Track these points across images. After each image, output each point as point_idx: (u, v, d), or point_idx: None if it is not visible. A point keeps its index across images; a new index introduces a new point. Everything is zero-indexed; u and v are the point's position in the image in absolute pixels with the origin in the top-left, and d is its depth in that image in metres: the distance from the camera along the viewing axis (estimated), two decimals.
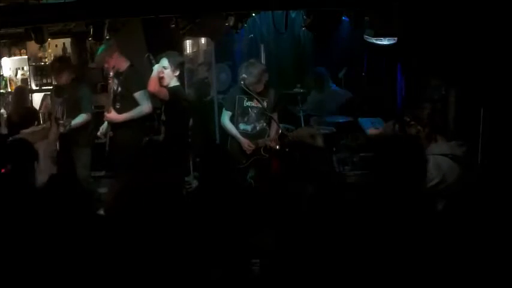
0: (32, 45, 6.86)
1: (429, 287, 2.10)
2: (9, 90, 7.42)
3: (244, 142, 4.96)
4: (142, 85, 4.95)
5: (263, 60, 6.31)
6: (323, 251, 2.23)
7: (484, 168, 3.72)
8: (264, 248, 2.59)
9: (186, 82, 6.42)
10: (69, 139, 5.25)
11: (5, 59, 7.52)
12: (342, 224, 2.29)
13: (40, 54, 7.43)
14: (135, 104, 5.06)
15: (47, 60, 7.36)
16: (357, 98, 6.40)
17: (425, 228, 2.19)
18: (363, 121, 5.02)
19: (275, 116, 5.08)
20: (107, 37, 4.73)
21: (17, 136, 4.99)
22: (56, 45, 7.27)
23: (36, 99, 7.35)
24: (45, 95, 7.19)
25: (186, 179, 5.86)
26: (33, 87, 7.49)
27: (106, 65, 5.19)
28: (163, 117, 5.01)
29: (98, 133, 5.37)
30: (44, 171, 4.14)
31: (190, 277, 2.39)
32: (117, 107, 5.12)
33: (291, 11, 5.86)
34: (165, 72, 4.82)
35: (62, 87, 5.47)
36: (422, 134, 3.26)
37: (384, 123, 4.60)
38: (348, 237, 2.22)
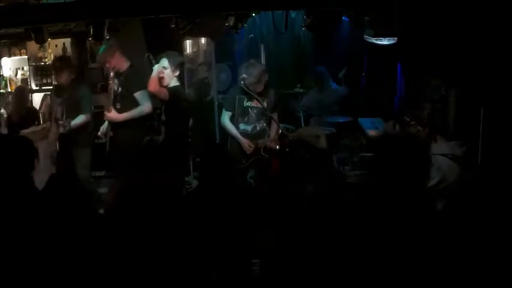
0: (32, 45, 6.85)
1: (429, 286, 2.10)
2: (9, 90, 7.42)
3: (245, 142, 4.96)
4: (143, 85, 4.94)
5: (263, 60, 6.31)
6: (323, 251, 2.23)
7: (484, 168, 3.72)
8: (264, 248, 2.59)
9: (186, 82, 6.41)
10: (69, 139, 5.24)
11: (5, 59, 7.51)
12: (341, 224, 2.29)
13: (40, 54, 7.42)
14: (135, 104, 5.06)
15: (47, 60, 7.36)
16: (356, 98, 6.40)
17: (425, 228, 2.19)
18: (363, 121, 5.03)
19: (275, 116, 5.08)
20: (107, 37, 4.73)
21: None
22: (56, 45, 7.26)
23: (36, 99, 7.35)
24: (45, 95, 7.19)
25: (186, 179, 5.86)
26: (33, 87, 7.48)
27: (107, 65, 5.19)
28: (163, 117, 5.01)
29: (99, 133, 5.37)
30: (43, 171, 4.15)
31: (191, 277, 2.39)
32: (118, 107, 5.12)
33: (291, 11, 5.86)
34: (165, 72, 4.82)
35: (62, 87, 5.46)
36: (422, 134, 3.26)
37: (384, 123, 4.61)
38: (348, 237, 2.22)
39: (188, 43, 7.14)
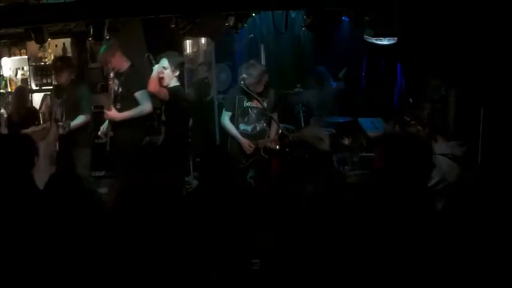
0: (32, 45, 6.85)
1: (429, 286, 2.10)
2: (9, 90, 7.42)
3: (245, 142, 4.96)
4: (143, 85, 4.95)
5: (263, 60, 6.30)
6: (323, 251, 2.23)
7: (484, 168, 3.72)
8: (264, 248, 2.59)
9: (186, 82, 6.41)
10: (69, 139, 5.24)
11: (5, 59, 7.51)
12: (341, 224, 2.29)
13: (40, 54, 7.41)
14: (135, 104, 5.06)
15: (47, 60, 7.35)
16: (356, 98, 6.40)
17: (425, 228, 2.19)
18: (363, 121, 5.03)
19: (275, 116, 5.08)
20: (107, 37, 4.73)
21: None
22: (56, 45, 7.26)
23: (36, 99, 7.35)
24: (45, 95, 7.19)
25: (186, 179, 5.86)
26: (33, 87, 7.48)
27: (108, 65, 5.19)
28: (163, 117, 5.01)
29: (99, 133, 5.37)
30: (43, 171, 4.14)
31: (191, 277, 2.39)
32: (118, 107, 5.12)
33: (291, 11, 5.86)
34: (165, 72, 4.82)
35: (62, 87, 5.46)
36: (422, 134, 3.26)
37: (384, 123, 4.61)
38: (347, 237, 2.22)
39: (188, 43, 7.13)
